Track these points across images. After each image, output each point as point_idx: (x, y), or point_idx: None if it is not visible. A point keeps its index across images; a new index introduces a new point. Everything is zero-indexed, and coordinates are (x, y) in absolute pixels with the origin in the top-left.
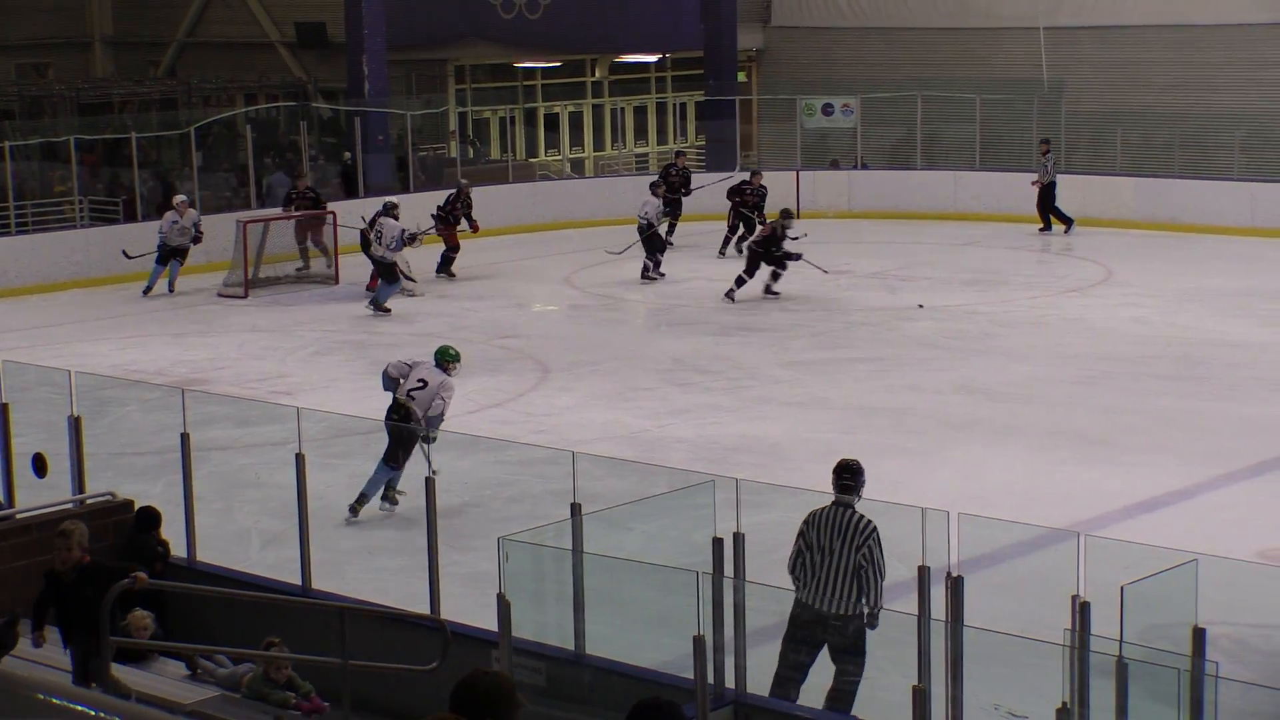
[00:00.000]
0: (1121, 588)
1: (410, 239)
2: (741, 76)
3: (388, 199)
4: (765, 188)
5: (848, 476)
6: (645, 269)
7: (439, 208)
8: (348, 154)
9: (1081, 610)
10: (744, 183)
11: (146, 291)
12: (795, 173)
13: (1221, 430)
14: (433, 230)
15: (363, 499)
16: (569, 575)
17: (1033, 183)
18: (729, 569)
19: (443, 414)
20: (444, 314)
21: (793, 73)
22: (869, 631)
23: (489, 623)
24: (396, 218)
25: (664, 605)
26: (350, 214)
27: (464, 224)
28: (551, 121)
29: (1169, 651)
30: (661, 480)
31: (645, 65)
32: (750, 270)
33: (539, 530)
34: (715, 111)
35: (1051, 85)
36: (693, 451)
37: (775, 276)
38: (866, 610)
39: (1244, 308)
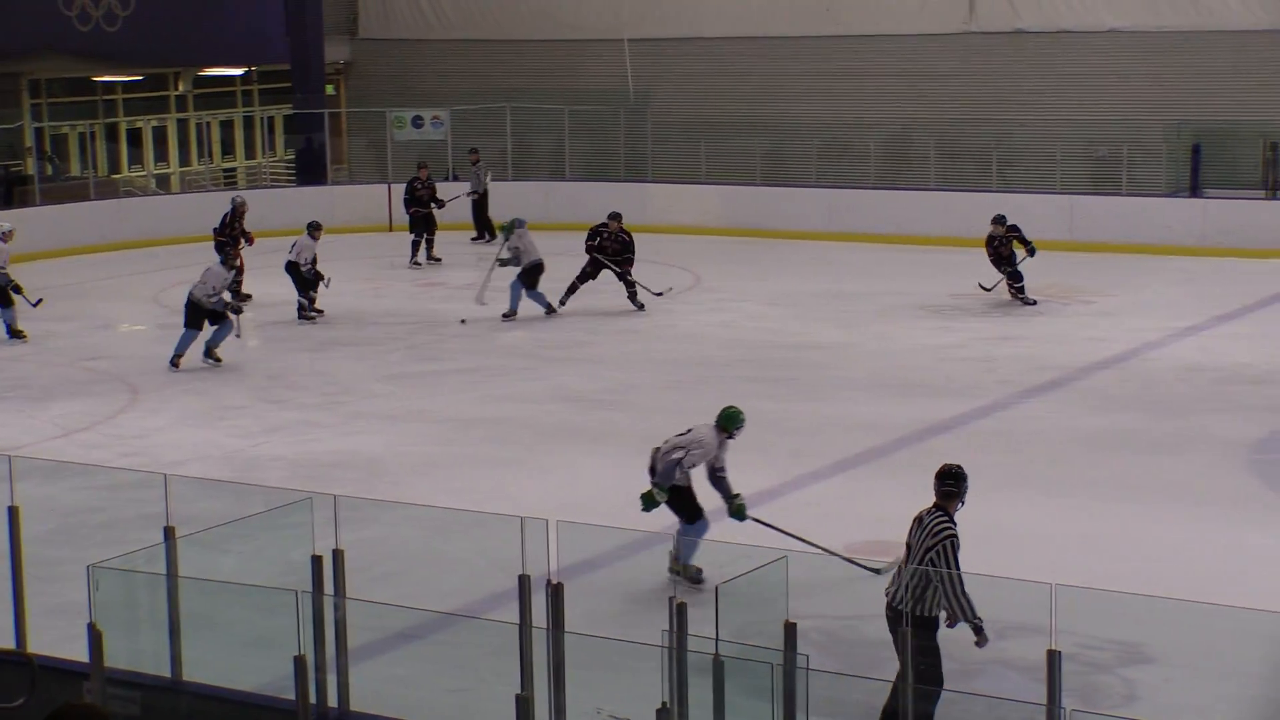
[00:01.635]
0: (716, 586)
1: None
2: (330, 89)
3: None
4: (627, 234)
5: (950, 482)
6: (301, 308)
7: (216, 230)
8: None
9: (679, 610)
10: (601, 226)
11: None
12: (387, 185)
13: (806, 429)
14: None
15: None
16: (164, 600)
17: (467, 194)
18: (329, 586)
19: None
20: (27, 337)
21: (382, 85)
22: (976, 646)
23: (81, 654)
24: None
25: (264, 626)
26: None
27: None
28: (134, 136)
29: (762, 647)
30: (259, 499)
31: (231, 78)
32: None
33: (131, 556)
34: (304, 125)
35: (638, 96)
36: (290, 469)
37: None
38: (944, 619)
39: (825, 309)
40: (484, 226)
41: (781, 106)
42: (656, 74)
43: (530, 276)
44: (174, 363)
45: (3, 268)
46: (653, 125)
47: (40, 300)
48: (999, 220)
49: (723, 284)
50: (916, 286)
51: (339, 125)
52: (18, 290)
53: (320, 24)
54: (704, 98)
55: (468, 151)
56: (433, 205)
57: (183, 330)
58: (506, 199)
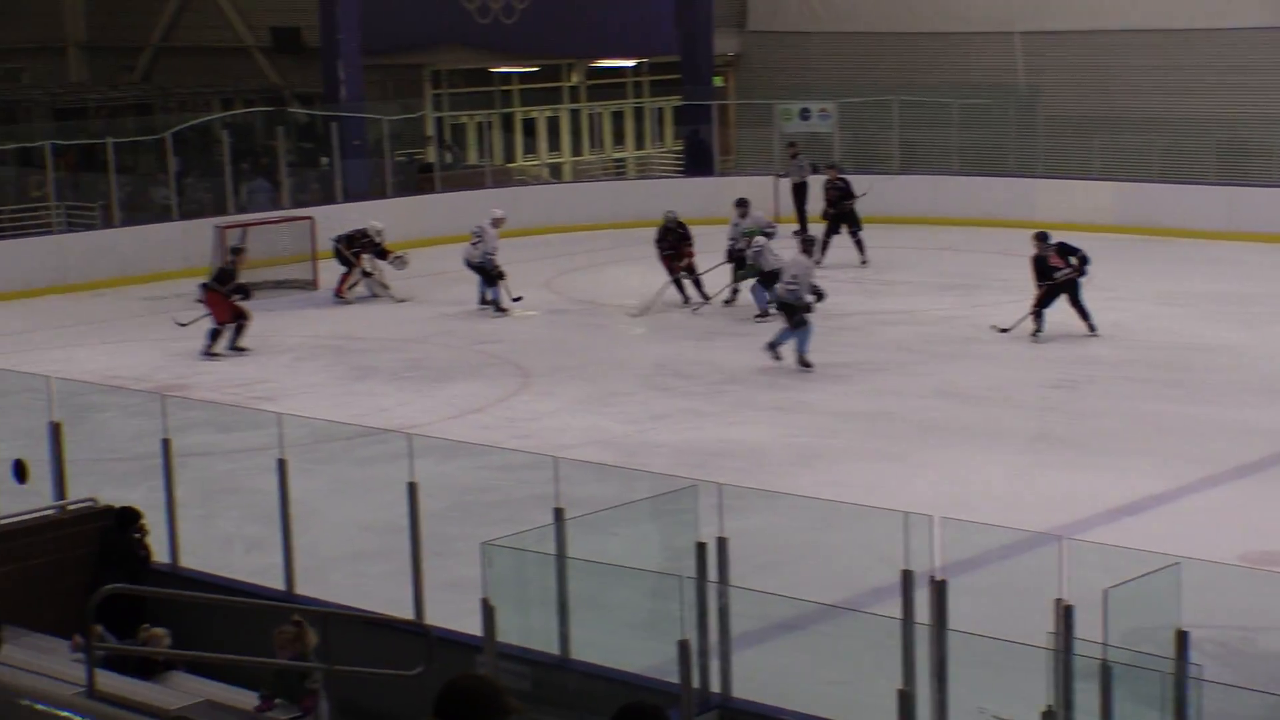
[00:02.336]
0: (1105, 591)
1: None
2: (719, 81)
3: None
4: (843, 180)
5: None
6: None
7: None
8: (324, 159)
9: (1065, 614)
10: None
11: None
12: (774, 177)
13: (1203, 434)
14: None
15: None
16: (553, 580)
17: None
18: (713, 573)
19: None
20: (424, 319)
21: (769, 77)
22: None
23: (473, 628)
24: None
25: (649, 610)
26: (327, 220)
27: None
28: (529, 126)
29: (1152, 655)
30: (644, 485)
31: (622, 70)
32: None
33: (522, 535)
34: (692, 116)
35: (1028, 90)
36: (674, 456)
37: (735, 292)
38: None
39: (1224, 311)
40: (804, 220)
41: (1176, 101)
42: (1047, 67)
43: (769, 280)
44: (775, 353)
45: (491, 253)
46: (1043, 119)
47: (520, 297)
48: (1042, 237)
49: (1114, 282)
50: None
51: (727, 117)
52: (502, 277)
53: (710, 17)
54: (1096, 91)
55: (786, 145)
56: (846, 204)
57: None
58: (894, 193)
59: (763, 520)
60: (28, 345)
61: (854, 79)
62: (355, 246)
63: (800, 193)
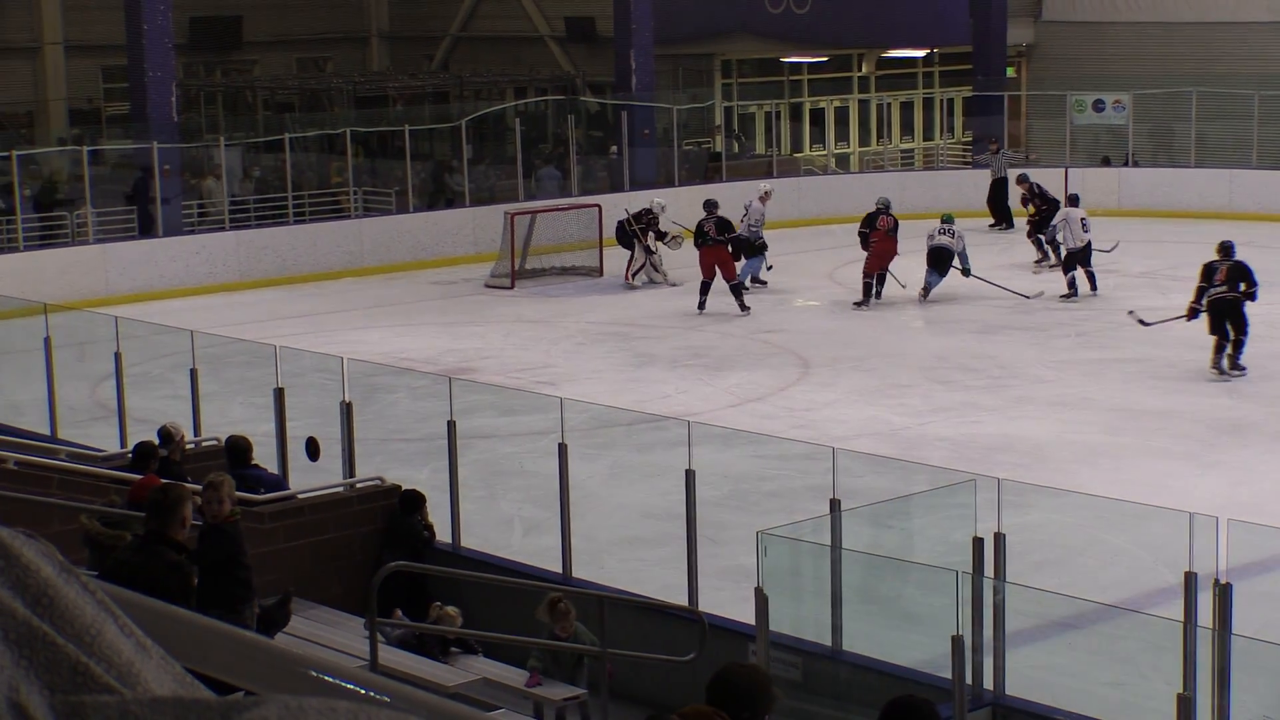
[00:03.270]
0: None
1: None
2: (1010, 71)
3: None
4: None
5: None
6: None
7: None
8: (614, 147)
9: None
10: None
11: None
12: (1064, 170)
13: None
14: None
15: None
16: (827, 571)
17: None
18: (989, 569)
19: None
20: (709, 308)
21: (1063, 68)
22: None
23: (746, 616)
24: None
25: (922, 604)
26: (615, 207)
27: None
28: (817, 116)
29: None
30: (922, 478)
31: (913, 60)
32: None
33: (798, 525)
34: (983, 107)
35: None
36: (953, 450)
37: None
38: None
39: None
40: (1002, 214)
41: None
42: None
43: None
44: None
45: (756, 225)
46: None
47: (771, 266)
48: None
49: None
50: None
51: (1019, 108)
52: (764, 250)
53: (1004, 6)
54: None
55: (988, 141)
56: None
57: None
58: (1186, 185)
59: (1042, 517)
60: (322, 327)
61: (1150, 70)
62: (640, 224)
63: (999, 188)
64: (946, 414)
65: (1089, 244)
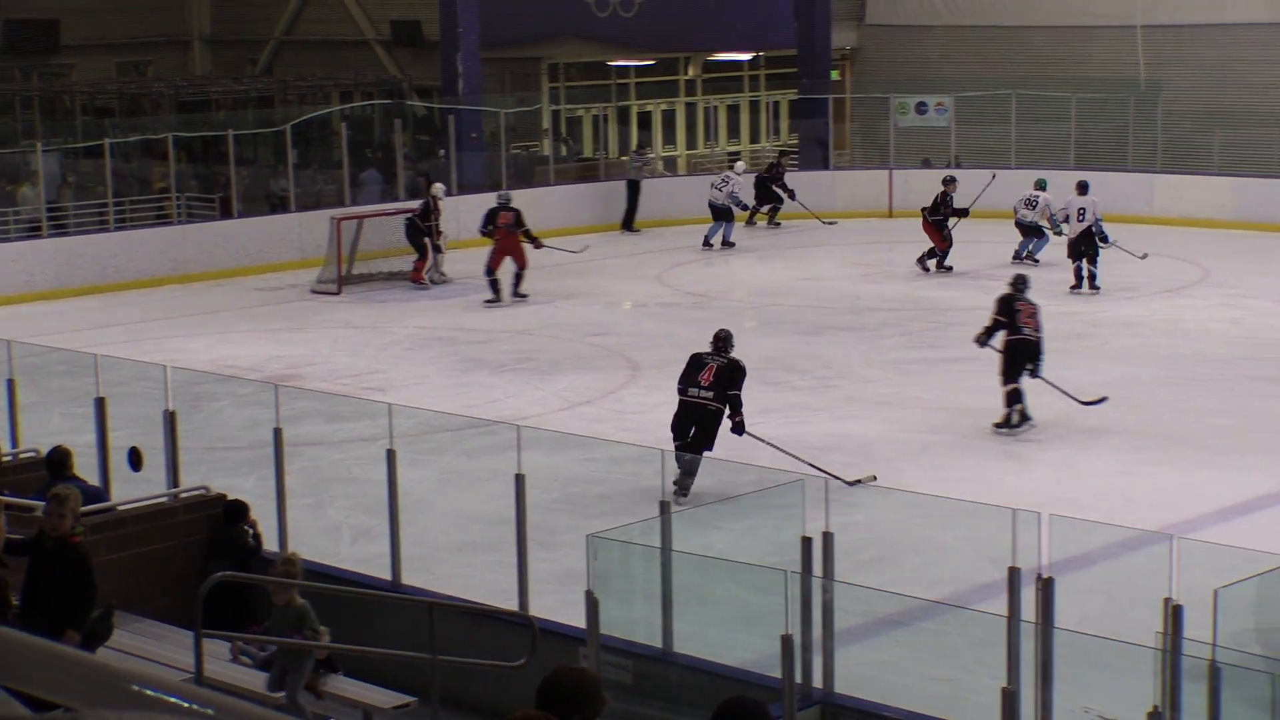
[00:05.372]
0: (1215, 591)
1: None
2: (835, 75)
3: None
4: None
5: None
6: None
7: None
8: (441, 152)
9: (1174, 613)
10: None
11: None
12: (888, 171)
13: None
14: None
15: None
16: (657, 573)
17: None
18: (817, 568)
19: None
20: (536, 312)
21: (887, 71)
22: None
23: (577, 620)
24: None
25: (752, 604)
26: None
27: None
28: (644, 119)
29: (1264, 656)
30: (750, 479)
31: (738, 63)
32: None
33: (627, 528)
34: (808, 110)
35: (1148, 84)
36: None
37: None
38: None
39: None
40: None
41: None
42: (1169, 61)
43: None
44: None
45: (736, 193)
46: (1163, 114)
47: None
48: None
49: (1233, 279)
50: None
51: (843, 111)
52: (733, 219)
53: (828, 10)
54: (1219, 86)
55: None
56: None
57: None
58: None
59: (869, 516)
60: (145, 335)
61: (971, 74)
62: (427, 222)
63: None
64: (774, 414)
65: (1088, 233)
